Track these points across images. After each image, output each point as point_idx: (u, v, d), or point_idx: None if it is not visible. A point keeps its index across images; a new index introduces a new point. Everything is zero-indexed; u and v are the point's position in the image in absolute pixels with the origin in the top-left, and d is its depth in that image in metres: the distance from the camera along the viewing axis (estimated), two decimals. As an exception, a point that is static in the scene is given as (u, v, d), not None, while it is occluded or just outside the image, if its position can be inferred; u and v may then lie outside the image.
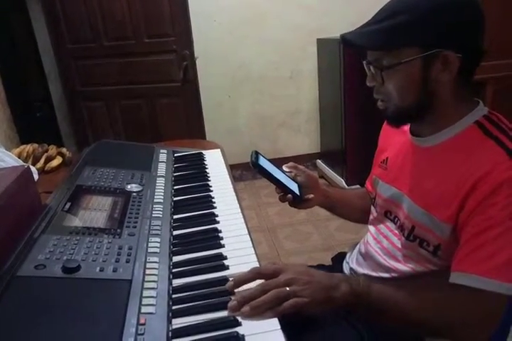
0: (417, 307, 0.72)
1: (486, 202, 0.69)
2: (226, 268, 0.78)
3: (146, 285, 0.70)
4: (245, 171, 3.26)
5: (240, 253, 0.83)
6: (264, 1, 2.96)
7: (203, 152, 1.43)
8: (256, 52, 3.08)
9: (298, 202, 0.99)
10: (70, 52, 2.85)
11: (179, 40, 2.74)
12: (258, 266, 0.78)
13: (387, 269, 0.90)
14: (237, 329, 0.63)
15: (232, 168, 1.47)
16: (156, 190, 1.08)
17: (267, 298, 0.65)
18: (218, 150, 1.46)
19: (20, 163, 1.40)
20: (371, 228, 0.99)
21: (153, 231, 0.88)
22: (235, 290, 0.70)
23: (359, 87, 2.50)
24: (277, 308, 0.65)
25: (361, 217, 1.08)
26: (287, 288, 0.67)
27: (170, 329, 0.63)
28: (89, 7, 2.71)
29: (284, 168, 1.01)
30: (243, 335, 0.62)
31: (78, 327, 0.60)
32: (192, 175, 1.25)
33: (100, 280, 0.70)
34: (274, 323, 0.64)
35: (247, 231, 0.92)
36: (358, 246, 1.05)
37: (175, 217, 0.99)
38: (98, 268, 0.72)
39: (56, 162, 1.54)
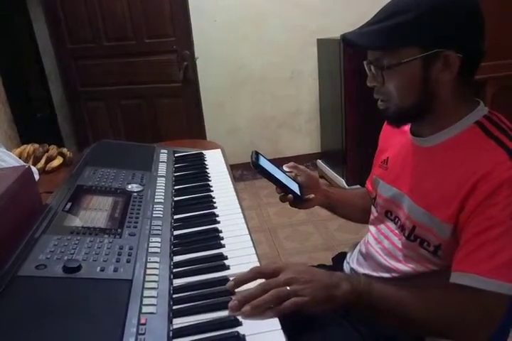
0: (419, 307, 0.72)
1: (486, 202, 0.69)
2: (227, 268, 0.78)
3: (147, 285, 0.70)
4: (246, 171, 3.26)
5: (240, 253, 0.83)
6: (264, 1, 2.96)
7: (204, 152, 1.43)
8: (256, 53, 3.08)
9: (298, 202, 0.99)
10: (70, 53, 2.85)
11: (179, 41, 2.75)
12: (258, 265, 0.78)
13: (388, 269, 0.90)
14: (238, 329, 0.63)
15: (233, 168, 1.47)
16: (157, 190, 1.09)
17: (268, 298, 0.65)
18: (219, 150, 1.46)
19: (21, 163, 1.40)
20: (372, 228, 0.99)
21: (154, 231, 0.88)
22: (236, 290, 0.70)
23: (359, 87, 2.50)
24: (278, 307, 0.65)
25: (362, 217, 1.08)
26: (288, 287, 0.67)
27: (171, 329, 0.63)
28: (90, 7, 2.71)
29: (285, 168, 1.01)
30: (244, 335, 0.62)
31: (79, 327, 0.60)
32: (192, 175, 1.25)
33: (101, 280, 0.70)
34: (274, 323, 0.64)
35: (247, 231, 0.92)
36: (358, 246, 1.05)
37: (175, 217, 1.00)
38: (99, 268, 0.72)
39: (57, 162, 1.54)
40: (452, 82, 0.75)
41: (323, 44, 2.94)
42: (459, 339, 0.73)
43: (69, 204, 0.92)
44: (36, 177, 1.33)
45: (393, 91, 0.77)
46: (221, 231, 0.91)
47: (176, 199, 1.09)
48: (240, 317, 0.65)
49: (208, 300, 0.69)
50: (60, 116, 3.29)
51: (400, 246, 0.87)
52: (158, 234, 0.88)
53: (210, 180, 1.20)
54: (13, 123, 2.52)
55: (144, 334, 0.60)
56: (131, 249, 0.79)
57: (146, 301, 0.66)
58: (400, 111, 0.79)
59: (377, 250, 0.94)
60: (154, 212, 0.97)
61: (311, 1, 2.99)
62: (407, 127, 0.88)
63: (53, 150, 1.57)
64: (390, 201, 0.91)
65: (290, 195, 0.96)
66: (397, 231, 0.89)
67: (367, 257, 0.97)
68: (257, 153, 0.94)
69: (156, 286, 0.71)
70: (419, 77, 0.74)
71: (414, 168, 0.85)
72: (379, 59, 0.76)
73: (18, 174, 0.87)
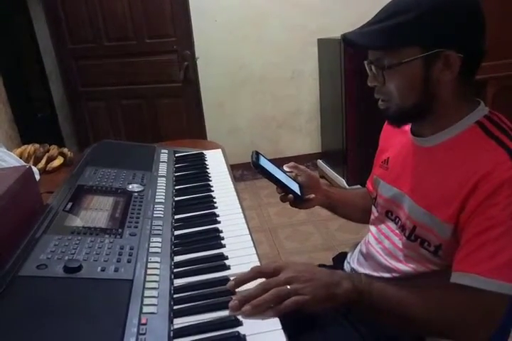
0: (420, 307, 0.72)
1: (487, 202, 0.69)
2: (227, 268, 0.78)
3: (148, 285, 0.71)
4: (246, 171, 3.26)
5: (241, 253, 0.83)
6: (265, 1, 2.96)
7: (204, 152, 1.43)
8: (257, 53, 3.08)
9: (299, 202, 0.99)
10: (71, 53, 2.85)
11: (180, 41, 2.75)
12: (259, 265, 0.78)
13: (389, 269, 0.90)
14: (239, 329, 0.63)
15: (233, 168, 1.48)
16: (157, 190, 1.09)
17: (268, 297, 0.65)
18: (219, 150, 1.46)
19: (22, 163, 1.40)
20: (372, 228, 0.99)
21: (155, 231, 0.88)
22: (236, 290, 0.70)
23: (360, 87, 2.50)
24: (278, 307, 0.65)
25: (362, 217, 1.08)
26: (288, 286, 0.67)
27: (171, 329, 0.63)
28: (91, 7, 2.72)
29: (285, 168, 1.01)
30: (244, 335, 0.62)
31: (79, 327, 0.60)
32: (193, 175, 1.25)
33: (102, 280, 0.70)
34: (275, 323, 0.64)
35: (248, 231, 0.92)
36: (358, 246, 1.05)
37: (176, 217, 1.00)
38: (99, 268, 0.72)
39: (57, 162, 1.54)
40: (453, 81, 0.75)
41: (323, 44, 2.94)
42: (460, 339, 0.73)
43: (70, 204, 0.92)
44: (37, 177, 1.34)
45: (394, 91, 0.77)
46: (222, 231, 0.91)
47: (176, 199, 1.09)
48: (240, 317, 0.65)
49: (209, 300, 0.69)
50: (61, 116, 3.29)
51: (400, 246, 0.87)
52: (159, 234, 0.88)
53: (210, 180, 1.20)
54: (13, 123, 2.52)
55: (144, 334, 0.60)
56: (131, 248, 0.79)
57: (146, 301, 0.66)
58: (400, 111, 0.79)
59: (378, 250, 0.94)
60: (155, 212, 0.97)
61: (311, 1, 2.99)
62: (407, 127, 0.88)
63: (54, 150, 1.57)
64: (390, 201, 0.91)
65: (290, 195, 0.96)
66: (397, 231, 0.89)
67: (367, 257, 0.97)
68: (257, 153, 0.94)
69: (157, 286, 0.71)
70: (420, 76, 0.74)
71: (415, 168, 0.85)
72: (380, 59, 0.76)
73: (19, 174, 0.87)
